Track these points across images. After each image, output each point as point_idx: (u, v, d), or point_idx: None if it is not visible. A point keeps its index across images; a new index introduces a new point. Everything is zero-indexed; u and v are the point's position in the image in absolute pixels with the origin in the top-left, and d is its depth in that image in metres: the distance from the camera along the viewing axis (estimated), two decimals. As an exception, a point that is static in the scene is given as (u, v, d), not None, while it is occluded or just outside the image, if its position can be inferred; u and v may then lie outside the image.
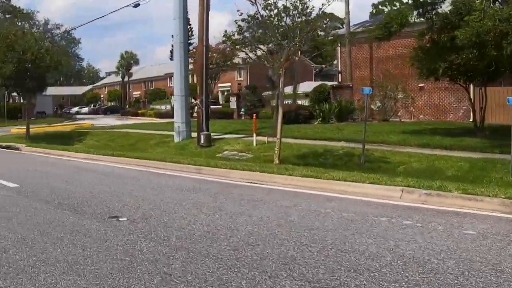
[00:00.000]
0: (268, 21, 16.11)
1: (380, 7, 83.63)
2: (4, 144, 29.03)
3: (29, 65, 31.69)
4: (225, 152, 21.48)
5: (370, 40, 31.52)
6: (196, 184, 12.29)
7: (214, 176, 13.86)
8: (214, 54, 47.55)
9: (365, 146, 16.71)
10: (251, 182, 12.40)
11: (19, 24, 59.13)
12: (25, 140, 31.61)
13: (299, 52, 19.71)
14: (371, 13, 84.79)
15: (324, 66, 75.70)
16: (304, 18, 15.99)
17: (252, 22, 16.48)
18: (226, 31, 17.59)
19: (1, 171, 15.98)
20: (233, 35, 17.34)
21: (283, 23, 15.99)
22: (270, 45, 17.17)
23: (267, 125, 25.57)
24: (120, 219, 8.12)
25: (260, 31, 16.90)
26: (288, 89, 39.24)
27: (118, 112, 79.95)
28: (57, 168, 16.92)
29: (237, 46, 18.20)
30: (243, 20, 16.52)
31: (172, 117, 52.07)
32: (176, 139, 25.78)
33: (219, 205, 9.20)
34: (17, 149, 26.68)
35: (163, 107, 67.91)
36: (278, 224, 7.59)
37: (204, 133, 23.95)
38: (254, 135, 21.85)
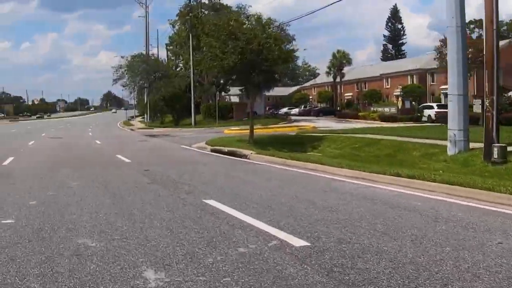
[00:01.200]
0: None
1: None
2: (226, 149, 24.20)
3: (255, 57, 26.59)
4: (536, 174, 14.84)
5: None
6: None
7: None
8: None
9: None
10: None
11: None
12: (247, 144, 26.62)
13: None
14: None
15: None
16: None
17: None
18: None
19: (254, 203, 10.28)
20: None
21: None
22: None
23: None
24: None
25: None
26: None
27: (332, 114, 77.33)
28: (341, 201, 10.74)
29: None
30: None
31: (398, 120, 46.76)
32: (451, 151, 19.62)
33: None
34: (244, 156, 21.59)
35: (386, 109, 63.14)
36: None
37: (496, 145, 17.19)
38: None
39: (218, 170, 16.41)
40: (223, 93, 65.05)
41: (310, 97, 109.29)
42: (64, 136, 45.95)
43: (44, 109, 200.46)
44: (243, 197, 10.75)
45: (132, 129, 62.47)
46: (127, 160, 20.31)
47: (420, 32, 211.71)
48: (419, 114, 57.09)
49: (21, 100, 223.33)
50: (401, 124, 47.21)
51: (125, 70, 70.77)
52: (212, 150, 25.37)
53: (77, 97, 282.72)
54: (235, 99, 72.38)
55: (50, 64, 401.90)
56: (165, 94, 62.28)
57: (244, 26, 28.23)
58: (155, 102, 67.95)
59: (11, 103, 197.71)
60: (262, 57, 27.21)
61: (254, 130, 38.74)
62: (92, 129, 64.83)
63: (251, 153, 21.77)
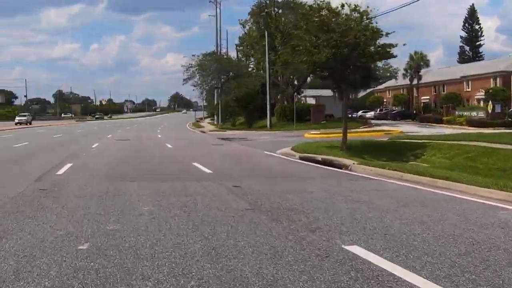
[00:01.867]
0: None
1: None
2: (319, 157, 20.47)
3: (349, 51, 22.96)
4: None
5: None
6: None
7: None
8: None
9: None
10: None
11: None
12: (340, 151, 22.90)
13: None
14: None
15: None
16: None
17: None
18: None
19: (424, 253, 6.53)
20: None
21: None
22: None
23: None
24: None
25: None
26: None
27: (409, 118, 74.61)
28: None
29: None
30: None
31: (488, 126, 44.93)
32: None
33: None
34: (345, 167, 17.87)
35: (473, 113, 58.67)
36: None
37: None
38: None
39: (329, 189, 12.50)
40: (299, 95, 61.49)
41: (384, 100, 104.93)
42: (131, 137, 42.85)
43: (111, 109, 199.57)
44: (399, 241, 7.01)
45: (203, 131, 59.39)
46: (207, 171, 16.67)
47: (488, 35, 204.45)
48: (510, 119, 53.02)
49: (89, 101, 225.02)
50: (492, 130, 43.05)
51: (196, 69, 67.56)
52: (302, 158, 21.72)
53: (144, 98, 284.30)
54: (310, 101, 68.71)
55: (118, 65, 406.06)
56: (238, 94, 59.08)
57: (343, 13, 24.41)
58: (226, 103, 64.83)
59: (79, 103, 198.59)
60: (358, 52, 23.51)
61: (335, 135, 35.17)
62: (161, 130, 61.98)
63: (353, 164, 17.96)
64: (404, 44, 34.34)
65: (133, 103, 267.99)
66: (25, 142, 34.27)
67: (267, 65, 55.53)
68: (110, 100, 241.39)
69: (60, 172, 16.02)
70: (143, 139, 40.55)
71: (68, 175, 15.36)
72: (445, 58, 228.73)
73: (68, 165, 17.96)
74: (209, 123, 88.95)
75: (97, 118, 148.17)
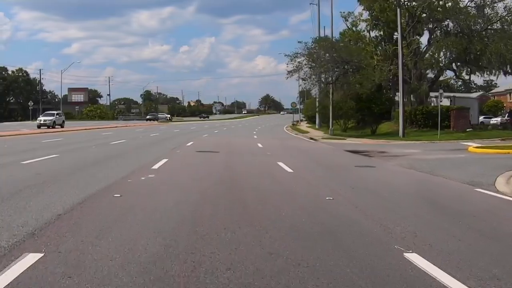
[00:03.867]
0: None
1: None
2: None
3: None
4: None
5: None
6: None
7: None
8: None
9: None
10: None
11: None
12: None
13: None
14: None
15: None
16: None
17: None
18: None
19: None
20: None
21: None
22: None
23: None
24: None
25: None
26: None
27: None
28: None
29: None
30: None
31: None
32: None
33: None
34: None
35: None
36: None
37: None
38: None
39: None
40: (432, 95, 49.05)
41: (504, 105, 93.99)
42: (220, 147, 29.47)
43: (199, 110, 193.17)
44: None
45: (312, 138, 45.03)
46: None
47: None
48: None
49: (177, 102, 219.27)
50: None
51: (304, 60, 52.47)
52: None
53: (234, 99, 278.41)
54: (444, 102, 55.50)
55: (206, 67, 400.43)
56: (362, 92, 46.11)
57: None
58: (338, 103, 50.71)
59: (166, 103, 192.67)
60: None
61: (497, 150, 23.75)
62: (257, 136, 49.26)
63: None
64: None
65: (222, 104, 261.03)
66: (54, 154, 21.49)
67: (399, 51, 42.24)
68: (198, 101, 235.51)
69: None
70: (238, 150, 27.32)
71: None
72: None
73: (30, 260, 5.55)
74: (308, 126, 77.67)
75: (148, 119, 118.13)
